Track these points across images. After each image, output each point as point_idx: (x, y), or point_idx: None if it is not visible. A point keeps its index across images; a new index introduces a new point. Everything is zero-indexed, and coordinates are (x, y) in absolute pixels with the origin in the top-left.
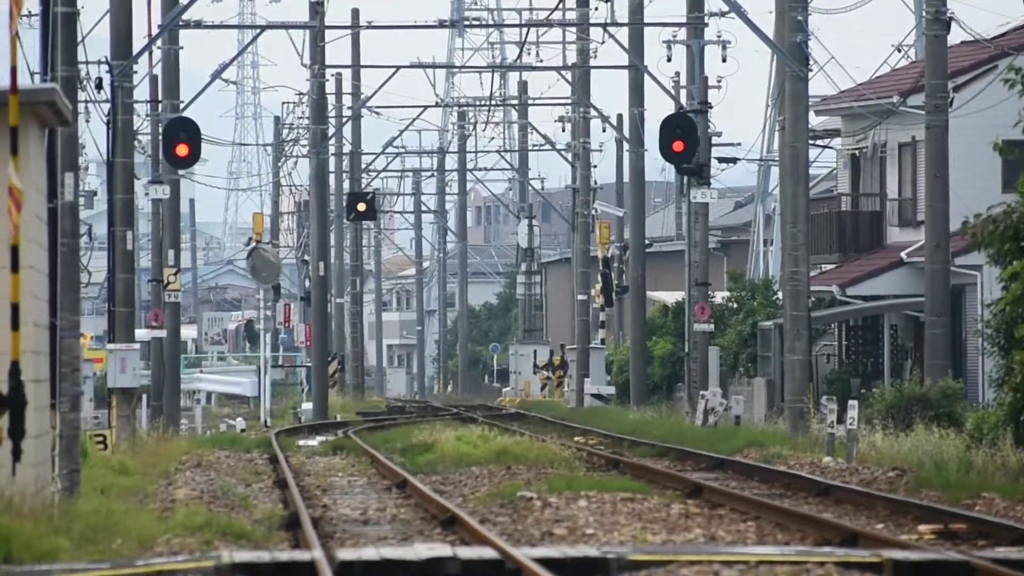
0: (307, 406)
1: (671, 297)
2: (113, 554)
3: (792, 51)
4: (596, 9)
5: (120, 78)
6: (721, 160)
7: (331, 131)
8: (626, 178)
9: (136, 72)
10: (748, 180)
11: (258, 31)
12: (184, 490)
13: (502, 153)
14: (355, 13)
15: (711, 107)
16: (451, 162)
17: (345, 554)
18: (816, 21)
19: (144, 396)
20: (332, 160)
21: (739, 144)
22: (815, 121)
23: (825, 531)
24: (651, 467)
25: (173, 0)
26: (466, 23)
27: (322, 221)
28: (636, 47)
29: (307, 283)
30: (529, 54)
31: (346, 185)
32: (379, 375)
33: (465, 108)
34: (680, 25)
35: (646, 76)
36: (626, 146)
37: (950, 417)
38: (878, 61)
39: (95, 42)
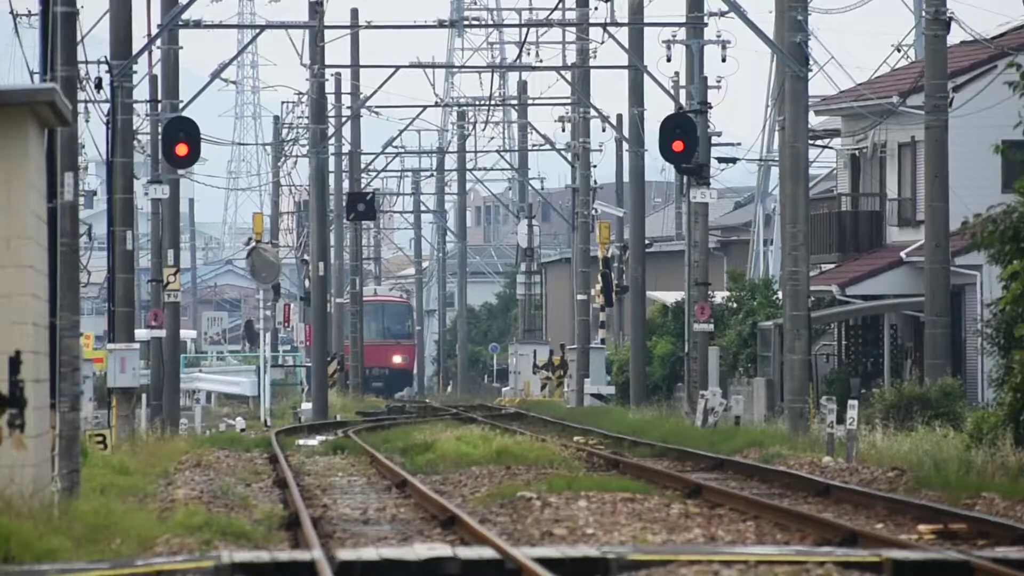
0: (307, 406)
1: (671, 297)
2: (113, 554)
3: (792, 51)
4: (596, 9)
5: (120, 78)
6: (721, 160)
7: (331, 131)
8: (626, 178)
9: (136, 72)
10: (748, 180)
11: (258, 31)
12: (184, 490)
13: (502, 153)
14: (355, 13)
15: (711, 107)
16: (451, 162)
17: (345, 554)
18: (816, 21)
19: (144, 396)
20: (332, 160)
21: (739, 144)
22: (815, 121)
23: (825, 531)
24: (651, 467)
25: (173, 0)
26: (466, 23)
27: (322, 221)
28: (636, 47)
29: (307, 283)
30: (529, 54)
31: (346, 185)
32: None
33: (465, 108)
34: (680, 25)
35: (646, 76)
36: (626, 146)
37: (950, 417)
38: (878, 61)
39: (95, 42)
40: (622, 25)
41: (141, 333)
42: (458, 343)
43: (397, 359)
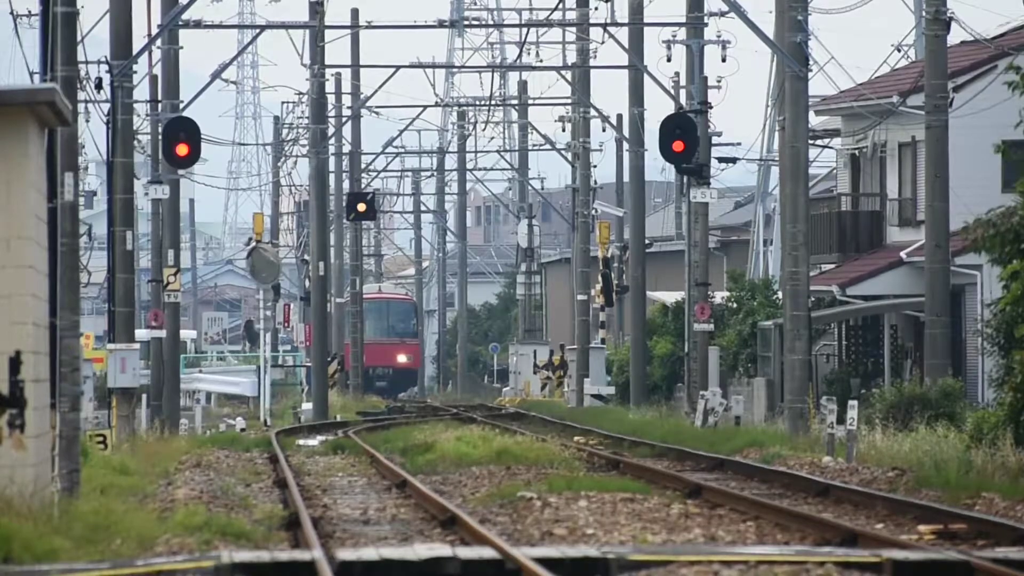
0: (307, 406)
1: (671, 297)
2: (113, 554)
3: (792, 51)
4: (596, 9)
5: (120, 78)
6: (721, 160)
7: (331, 131)
8: (626, 178)
9: (136, 72)
10: (748, 180)
11: (258, 31)
12: (184, 490)
13: (502, 153)
14: (355, 13)
15: (711, 107)
16: (451, 162)
17: (345, 554)
18: (816, 21)
19: (144, 396)
20: (332, 160)
21: (739, 144)
22: (815, 121)
23: (825, 531)
24: (651, 467)
25: (173, 0)
26: (466, 23)
27: (322, 221)
28: (636, 47)
29: (307, 283)
30: (529, 54)
31: (346, 185)
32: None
33: (465, 108)
34: (680, 25)
35: (646, 76)
36: (626, 146)
37: (950, 417)
38: (878, 61)
39: (95, 42)
40: (622, 25)
41: (141, 333)
42: (458, 343)
43: (402, 358)
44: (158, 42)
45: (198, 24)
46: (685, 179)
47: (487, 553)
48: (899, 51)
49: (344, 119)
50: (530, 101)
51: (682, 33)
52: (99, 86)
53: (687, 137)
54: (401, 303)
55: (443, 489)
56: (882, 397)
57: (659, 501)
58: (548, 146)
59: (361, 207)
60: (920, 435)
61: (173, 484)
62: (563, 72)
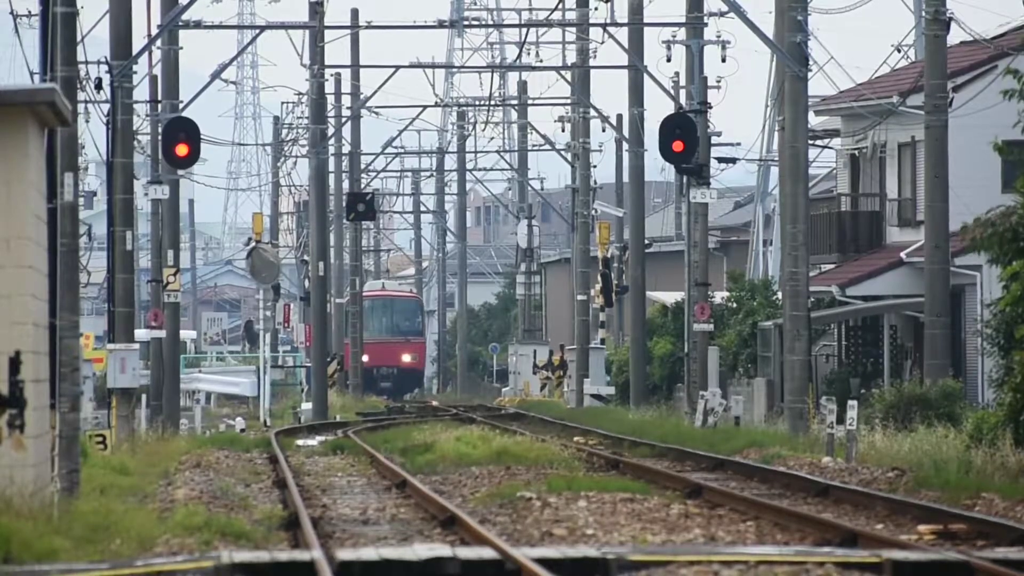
0: (306, 406)
1: (671, 297)
2: (113, 554)
3: (792, 51)
4: (596, 9)
5: (120, 78)
6: (721, 160)
7: (330, 131)
8: (626, 178)
9: (136, 72)
10: (748, 180)
11: (258, 31)
12: (183, 490)
13: (502, 153)
14: (355, 13)
15: (711, 107)
16: (450, 162)
17: (345, 554)
18: (816, 21)
19: (144, 396)
20: (331, 160)
21: (739, 144)
22: (815, 121)
23: (824, 531)
24: (651, 467)
25: (173, 0)
26: (466, 23)
27: (322, 221)
28: (636, 47)
29: (307, 283)
30: (529, 54)
31: (346, 185)
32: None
33: (465, 108)
34: (679, 25)
35: (646, 76)
36: (626, 146)
37: (950, 417)
38: (878, 61)
39: (95, 42)
40: (622, 25)
41: (141, 333)
42: (458, 343)
43: (406, 358)
44: (158, 42)
45: (198, 24)
46: (685, 179)
47: (487, 553)
48: (899, 51)
49: (344, 119)
50: (530, 101)
51: (682, 33)
52: (99, 86)
53: (687, 137)
54: (405, 301)
55: (443, 489)
56: (882, 397)
57: (659, 501)
58: (548, 146)
59: (361, 207)
60: (920, 435)
61: (173, 484)
62: (563, 72)
